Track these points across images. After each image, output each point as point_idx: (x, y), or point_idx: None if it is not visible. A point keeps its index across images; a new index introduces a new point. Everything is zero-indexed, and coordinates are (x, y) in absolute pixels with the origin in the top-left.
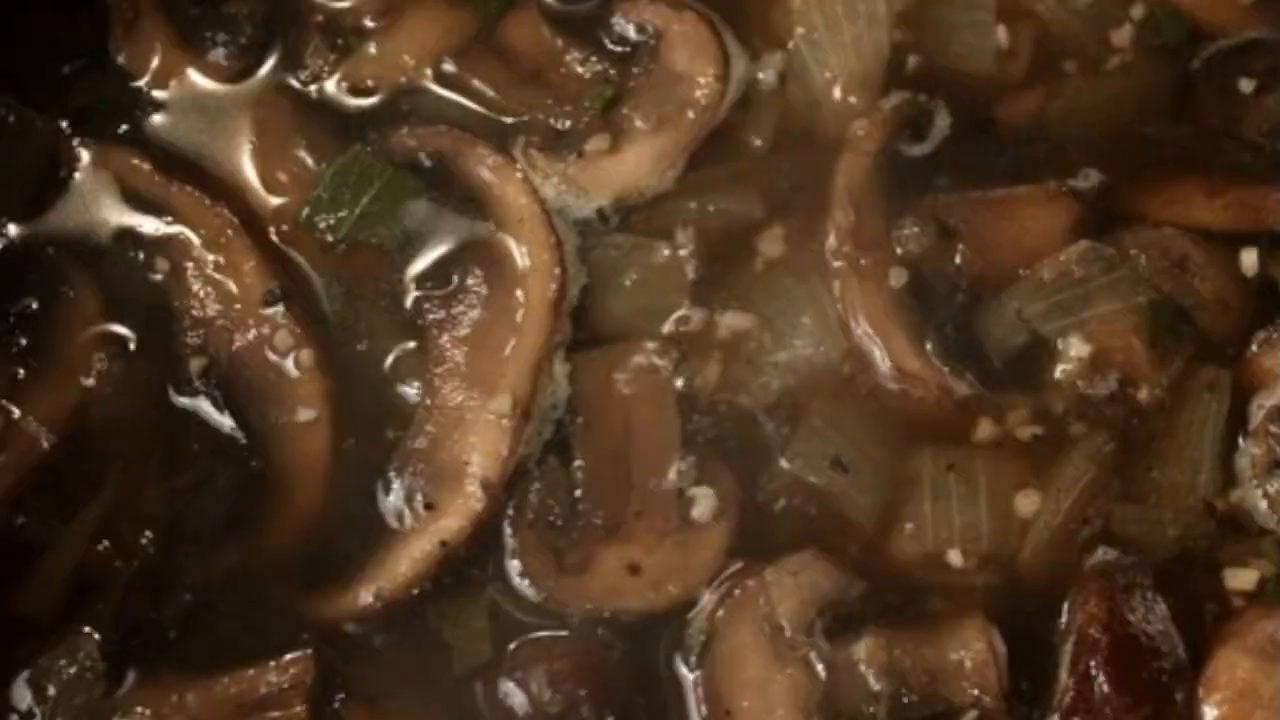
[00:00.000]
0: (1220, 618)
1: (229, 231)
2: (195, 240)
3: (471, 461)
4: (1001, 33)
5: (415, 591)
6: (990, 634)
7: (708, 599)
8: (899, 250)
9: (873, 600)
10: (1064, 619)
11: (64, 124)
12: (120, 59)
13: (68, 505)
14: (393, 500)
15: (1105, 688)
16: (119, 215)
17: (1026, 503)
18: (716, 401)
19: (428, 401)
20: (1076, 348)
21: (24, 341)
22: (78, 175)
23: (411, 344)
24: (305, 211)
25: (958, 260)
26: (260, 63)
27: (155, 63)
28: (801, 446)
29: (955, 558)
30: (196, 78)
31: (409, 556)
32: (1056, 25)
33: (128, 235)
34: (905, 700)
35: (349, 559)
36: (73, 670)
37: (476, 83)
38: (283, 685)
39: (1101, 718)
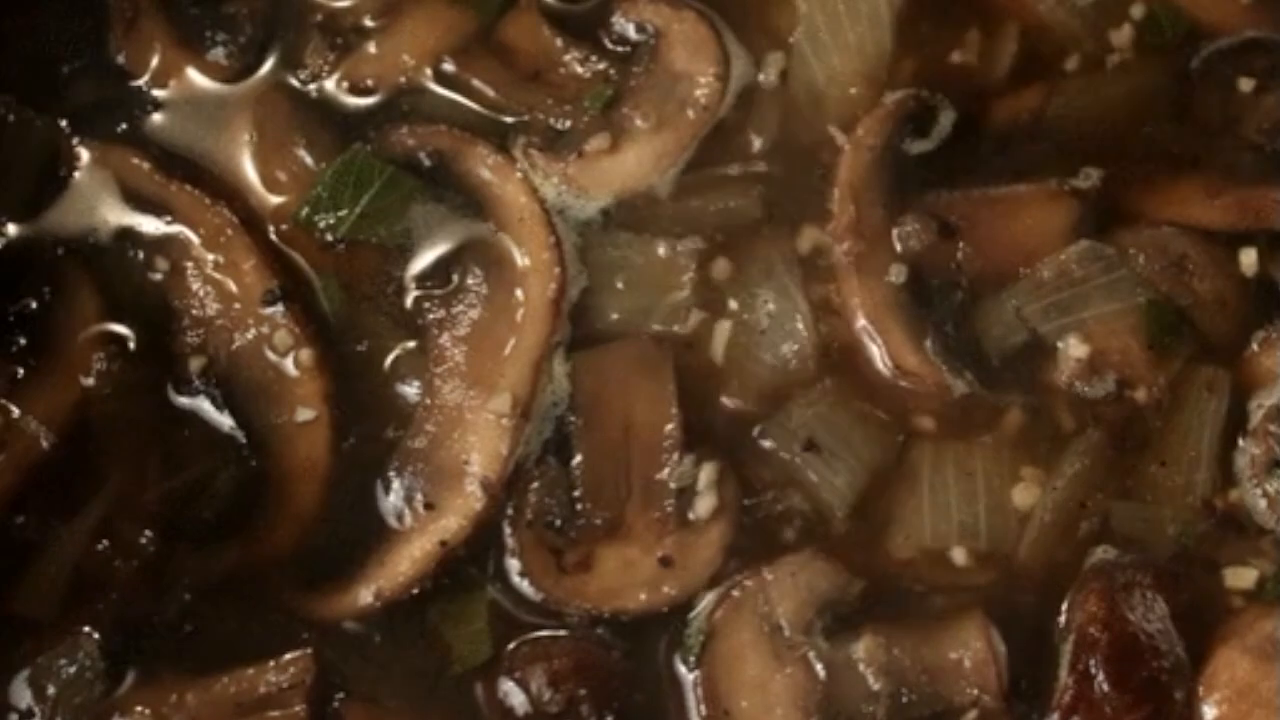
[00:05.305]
0: (1220, 617)
1: (228, 231)
2: (195, 240)
3: (471, 461)
4: (1002, 33)
5: (415, 591)
6: (990, 633)
7: (707, 599)
8: (899, 247)
9: (872, 600)
10: (1064, 618)
11: (64, 124)
12: (120, 59)
13: (68, 505)
14: (392, 500)
15: (1105, 687)
16: (119, 215)
17: (1023, 497)
18: (716, 400)
19: (428, 401)
20: (1075, 348)
21: (24, 341)
22: (78, 175)
23: (411, 343)
24: (305, 211)
25: (958, 258)
26: (260, 62)
27: (155, 62)
28: (776, 428)
29: (955, 556)
30: (196, 77)
31: (409, 556)
32: (1056, 25)
33: (128, 235)
34: (905, 700)
35: (349, 559)
36: (72, 670)
37: (476, 82)
38: (282, 685)
39: (1101, 717)
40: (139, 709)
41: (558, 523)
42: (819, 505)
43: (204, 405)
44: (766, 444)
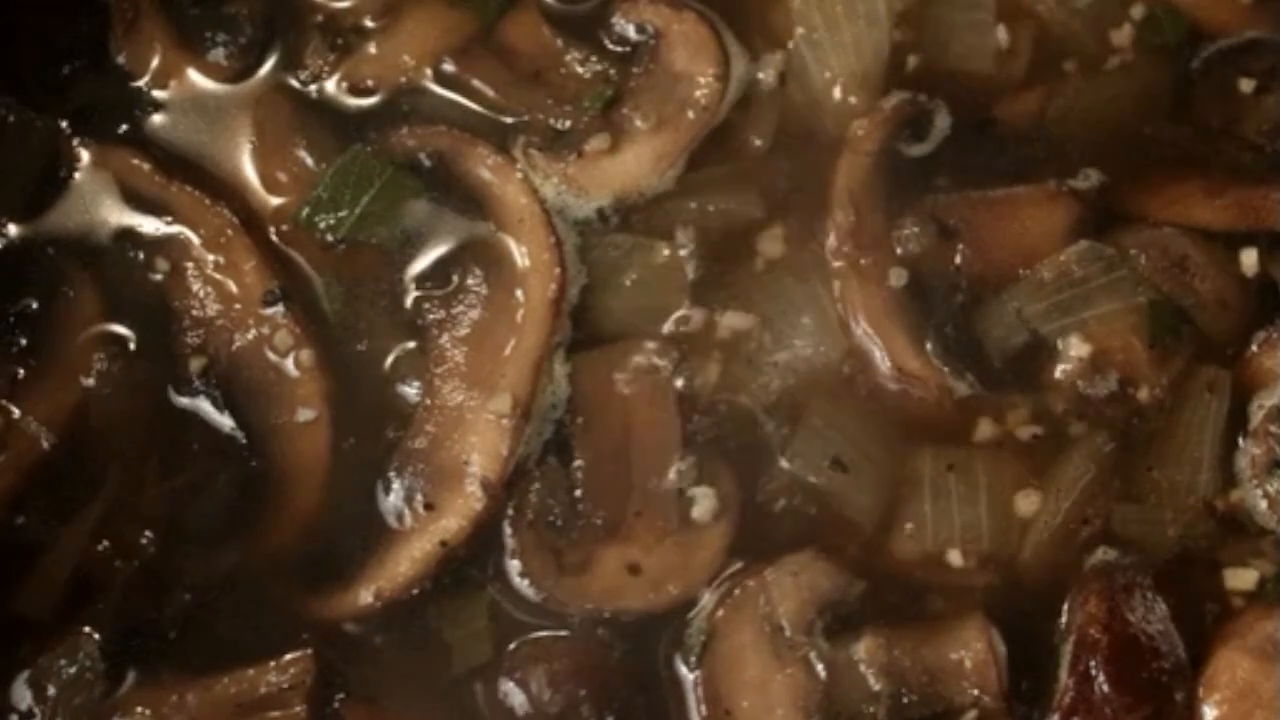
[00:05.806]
0: (1220, 618)
1: (229, 231)
2: (195, 240)
3: (471, 461)
4: (1001, 33)
5: (415, 591)
6: (990, 634)
7: (708, 599)
8: (899, 250)
9: (873, 600)
10: (1064, 619)
11: (64, 124)
12: (120, 59)
13: (68, 505)
14: (393, 500)
15: (1105, 688)
16: (119, 215)
17: (1026, 503)
18: (716, 401)
19: (428, 401)
20: (1076, 348)
21: (24, 341)
22: (78, 175)
23: (411, 344)
24: (305, 211)
25: (958, 260)
26: (260, 63)
27: (155, 63)
28: (801, 447)
29: (955, 558)
30: (196, 78)
31: (409, 556)
32: (1056, 25)
33: (128, 235)
34: (905, 700)
35: (349, 559)
36: (73, 670)
37: (476, 83)
38: (282, 685)
39: (1101, 718)
40: (139, 709)
41: (558, 523)
42: (845, 523)
43: (204, 405)
44: (789, 465)
